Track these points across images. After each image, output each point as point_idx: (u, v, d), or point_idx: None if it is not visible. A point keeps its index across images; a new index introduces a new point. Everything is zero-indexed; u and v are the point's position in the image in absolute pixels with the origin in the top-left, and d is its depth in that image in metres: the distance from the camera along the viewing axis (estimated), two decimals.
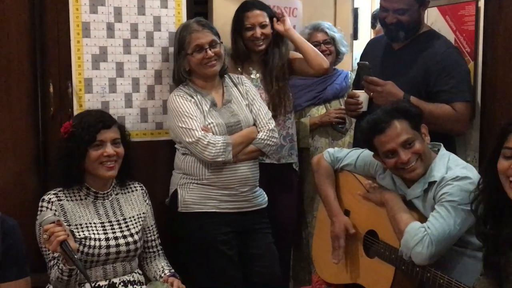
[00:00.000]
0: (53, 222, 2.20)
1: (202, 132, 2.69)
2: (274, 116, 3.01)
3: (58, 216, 2.37)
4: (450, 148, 2.54)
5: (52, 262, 2.37)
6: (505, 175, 1.79)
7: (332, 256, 2.54)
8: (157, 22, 3.02)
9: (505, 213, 1.85)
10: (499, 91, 2.66)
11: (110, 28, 2.93)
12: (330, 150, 2.71)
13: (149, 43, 3.02)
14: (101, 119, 2.48)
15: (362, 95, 2.83)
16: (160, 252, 2.69)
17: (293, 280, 3.54)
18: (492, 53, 2.70)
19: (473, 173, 2.21)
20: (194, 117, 2.71)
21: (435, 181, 2.25)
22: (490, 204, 1.88)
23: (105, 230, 2.47)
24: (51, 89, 2.81)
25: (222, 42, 2.86)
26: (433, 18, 2.98)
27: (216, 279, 2.78)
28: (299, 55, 3.25)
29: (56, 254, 2.33)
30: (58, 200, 2.45)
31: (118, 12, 2.94)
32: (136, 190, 2.65)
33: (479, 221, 1.93)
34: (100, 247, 2.42)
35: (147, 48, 3.01)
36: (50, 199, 2.45)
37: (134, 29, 2.98)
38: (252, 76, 3.19)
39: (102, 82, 2.94)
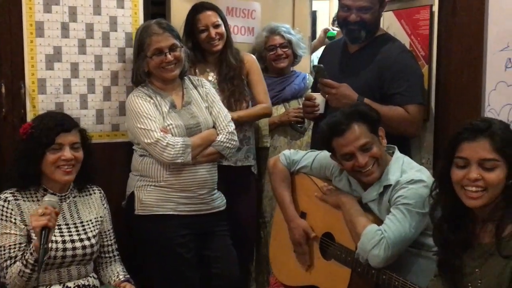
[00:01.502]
0: (55, 209, 2.20)
1: (161, 133, 2.67)
2: None
3: (15, 215, 2.36)
4: (405, 150, 2.58)
5: (9, 261, 2.31)
6: (460, 184, 1.82)
7: (300, 263, 2.55)
8: (113, 22, 2.98)
9: (460, 218, 1.88)
10: (453, 95, 2.71)
11: (64, 27, 2.88)
12: (286, 152, 2.71)
13: (105, 43, 2.98)
14: (61, 122, 2.44)
15: (318, 98, 2.84)
16: (117, 257, 2.65)
17: (255, 282, 3.54)
18: (445, 57, 2.75)
19: (427, 176, 2.24)
20: (153, 118, 2.69)
21: (390, 185, 2.28)
22: (446, 211, 1.91)
23: (62, 232, 2.43)
24: (3, 90, 2.75)
25: (183, 46, 2.84)
26: (388, 22, 3.02)
27: (173, 282, 2.77)
28: (255, 67, 3.30)
29: (13, 254, 2.30)
30: (15, 200, 2.40)
31: (73, 12, 2.90)
32: (95, 193, 2.61)
33: (436, 227, 1.96)
34: (56, 249, 2.37)
35: (103, 49, 2.97)
36: (6, 197, 2.39)
37: (90, 29, 2.94)
38: (210, 78, 3.19)
39: (56, 82, 2.89)
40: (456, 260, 1.88)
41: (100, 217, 2.58)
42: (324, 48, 3.31)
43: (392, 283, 2.10)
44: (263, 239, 3.48)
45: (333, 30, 4.61)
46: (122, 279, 2.55)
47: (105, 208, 2.62)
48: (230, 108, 3.07)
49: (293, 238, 2.57)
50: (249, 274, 3.46)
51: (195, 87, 2.92)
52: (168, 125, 2.73)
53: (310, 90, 3.25)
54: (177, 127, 2.74)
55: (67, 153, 2.41)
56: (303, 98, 3.22)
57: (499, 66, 2.46)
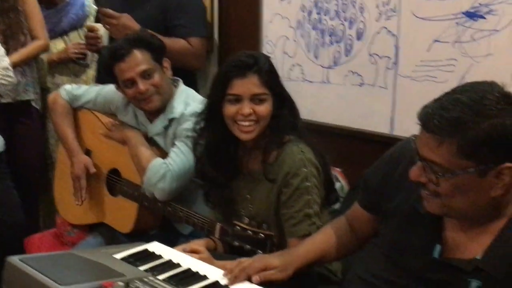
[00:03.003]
0: None
1: None
2: (7, 50, 2.78)
3: None
4: (191, 83, 2.59)
5: None
6: (233, 119, 1.88)
7: (75, 197, 2.47)
8: None
9: (227, 151, 1.96)
10: (234, 28, 2.78)
11: None
12: (67, 87, 2.57)
13: None
14: None
15: (101, 29, 2.74)
16: None
17: (43, 224, 3.40)
18: None
19: None
20: None
21: (174, 118, 2.28)
22: (212, 144, 1.97)
23: None
24: None
25: None
26: None
27: None
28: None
29: None
30: None
31: None
32: None
33: (200, 161, 2.03)
34: None
35: None
36: None
37: None
38: None
39: None
40: (225, 191, 1.97)
41: None
42: None
43: (177, 214, 2.15)
44: (52, 180, 3.33)
45: None
46: None
47: None
48: (6, 43, 2.84)
49: (73, 173, 2.47)
50: (37, 217, 3.30)
51: None
52: None
53: (92, 20, 3.11)
54: None
55: None
56: (84, 29, 3.08)
57: None
